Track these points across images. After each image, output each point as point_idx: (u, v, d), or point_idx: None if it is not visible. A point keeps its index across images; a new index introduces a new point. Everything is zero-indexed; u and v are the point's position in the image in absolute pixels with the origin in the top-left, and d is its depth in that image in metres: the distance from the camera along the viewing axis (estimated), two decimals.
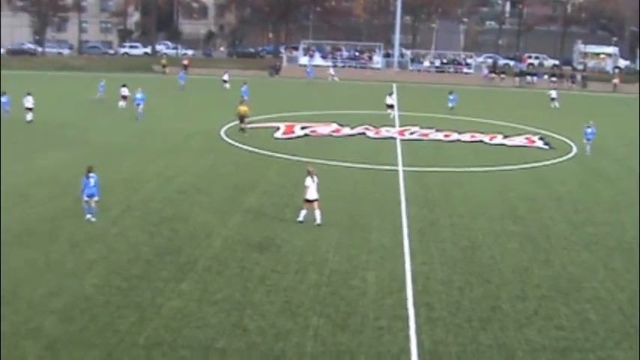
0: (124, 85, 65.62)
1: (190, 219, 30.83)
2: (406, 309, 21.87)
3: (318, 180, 31.02)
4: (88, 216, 30.49)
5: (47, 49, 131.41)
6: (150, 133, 52.18)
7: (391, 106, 64.41)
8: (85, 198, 30.55)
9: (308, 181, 30.47)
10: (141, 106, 59.24)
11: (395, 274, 24.78)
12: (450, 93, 71.28)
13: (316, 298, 22.53)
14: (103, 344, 19.22)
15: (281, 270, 24.92)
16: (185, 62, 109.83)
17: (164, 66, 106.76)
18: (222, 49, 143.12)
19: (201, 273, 24.55)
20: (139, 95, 59.98)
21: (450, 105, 69.75)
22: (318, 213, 30.36)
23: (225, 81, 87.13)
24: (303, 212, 30.80)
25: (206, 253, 26.53)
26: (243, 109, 53.72)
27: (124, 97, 64.64)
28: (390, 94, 66.38)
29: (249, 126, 52.86)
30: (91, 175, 30.56)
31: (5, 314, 20.87)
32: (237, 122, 53.70)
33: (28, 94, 57.98)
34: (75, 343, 19.24)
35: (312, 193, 30.43)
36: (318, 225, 30.19)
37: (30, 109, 57.47)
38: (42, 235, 28.44)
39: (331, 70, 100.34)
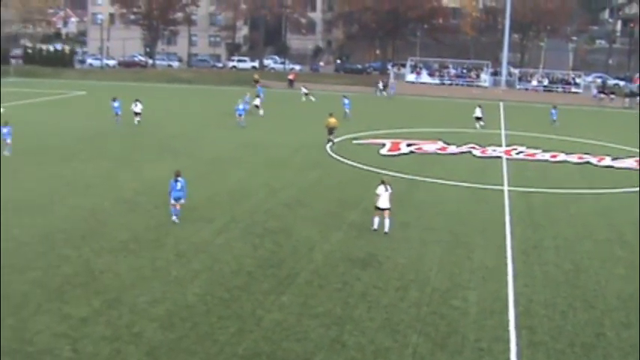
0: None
1: (293, 232, 30.97)
2: (507, 331, 21.49)
3: (392, 190, 31.52)
4: (174, 217, 31.62)
5: (157, 62, 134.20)
6: (256, 146, 52.70)
7: (479, 119, 64.14)
8: (172, 201, 31.78)
9: (380, 189, 31.06)
10: (242, 117, 62.26)
11: (497, 295, 24.40)
12: (554, 107, 71.16)
13: (417, 316, 22.33)
14: (203, 353, 19.41)
15: (382, 286, 24.80)
16: (291, 77, 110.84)
17: (256, 81, 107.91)
18: (321, 63, 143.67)
19: (303, 286, 24.60)
20: (240, 106, 62.66)
21: (553, 119, 69.38)
22: (387, 222, 30.98)
23: (306, 94, 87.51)
24: (376, 220, 31.31)
25: (308, 267, 26.59)
26: (332, 120, 54.55)
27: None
28: (479, 107, 65.98)
29: (336, 139, 52.87)
30: (179, 179, 31.78)
31: (109, 319, 21.31)
32: (332, 136, 54.21)
33: (137, 100, 63.13)
34: (175, 351, 19.48)
35: (383, 202, 30.98)
36: (386, 233, 30.72)
37: (138, 114, 62.43)
38: (148, 243, 28.96)
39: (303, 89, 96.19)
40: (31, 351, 19.24)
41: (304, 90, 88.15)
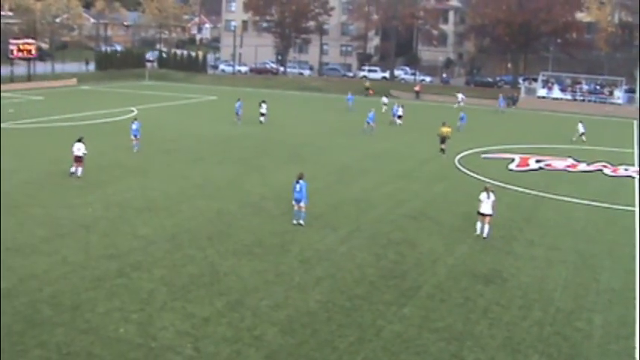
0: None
1: (417, 244, 30.82)
2: (634, 358, 20.86)
3: (495, 198, 32.32)
4: (294, 221, 32.35)
5: (288, 69, 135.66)
6: (383, 156, 52.71)
7: (582, 134, 62.92)
8: (293, 202, 32.55)
9: (482, 196, 32.05)
10: (372, 124, 63.29)
11: (624, 320, 23.69)
12: None
13: (539, 336, 21.89)
14: None
15: (505, 304, 24.42)
16: (417, 88, 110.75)
17: (367, 89, 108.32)
18: (444, 75, 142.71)
19: (424, 300, 24.44)
20: (370, 114, 63.85)
21: None
22: (487, 228, 31.99)
23: (384, 104, 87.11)
24: (479, 225, 32.20)
25: (430, 280, 26.40)
26: (445, 130, 55.12)
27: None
28: (581, 122, 64.64)
29: (465, 152, 52.35)
30: (300, 181, 32.47)
31: (231, 320, 21.62)
32: (444, 145, 54.39)
33: (263, 101, 68.47)
34: (294, 356, 19.62)
35: (485, 208, 31.93)
36: (484, 239, 31.51)
37: (263, 114, 67.94)
38: (272, 248, 29.29)
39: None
40: (154, 346, 19.72)
41: (385, 100, 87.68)
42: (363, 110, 73.64)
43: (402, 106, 74.06)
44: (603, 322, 23.34)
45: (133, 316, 21.66)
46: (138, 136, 50.46)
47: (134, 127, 50.71)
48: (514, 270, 28.11)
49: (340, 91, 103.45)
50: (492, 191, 32.29)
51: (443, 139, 54.04)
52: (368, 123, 63.06)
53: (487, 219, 31.94)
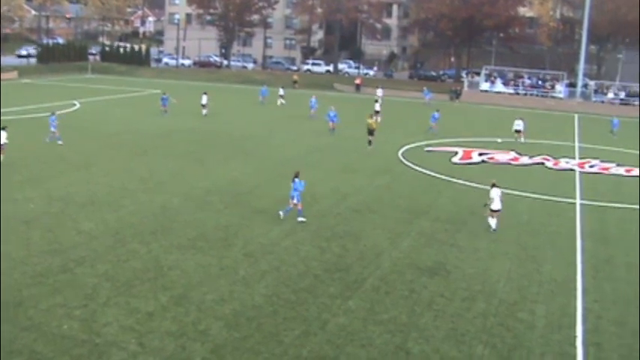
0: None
1: (362, 238, 30.91)
2: (575, 347, 21.15)
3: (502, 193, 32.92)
4: (281, 212, 32.91)
5: (232, 63, 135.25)
6: (327, 150, 52.75)
7: (518, 132, 62.71)
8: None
9: (494, 192, 32.42)
10: (335, 123, 60.79)
11: (565, 310, 24.02)
12: (615, 117, 70.91)
13: (483, 327, 22.11)
14: (267, 353, 19.47)
15: (449, 296, 24.61)
16: (357, 81, 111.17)
17: (295, 82, 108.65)
18: (386, 69, 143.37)
19: (369, 292, 24.53)
20: (332, 113, 61.24)
21: (613, 129, 70.53)
22: (496, 221, 32.72)
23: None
24: (491, 220, 32.75)
25: (375, 273, 26.51)
26: (370, 121, 55.25)
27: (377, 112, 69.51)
28: (521, 118, 64.34)
29: (409, 145, 52.63)
30: (295, 179, 32.81)
31: (176, 315, 21.52)
32: (372, 137, 54.76)
33: (204, 93, 68.85)
34: (239, 350, 19.57)
35: (497, 204, 32.45)
36: (494, 230, 32.18)
37: (204, 106, 68.26)
38: (217, 242, 29.20)
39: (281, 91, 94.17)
40: (98, 342, 19.55)
41: (281, 92, 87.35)
42: (291, 103, 74.53)
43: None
44: (545, 313, 23.65)
45: (77, 312, 21.43)
46: (54, 130, 50.89)
47: (52, 119, 50.84)
48: (458, 262, 28.35)
49: (285, 84, 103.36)
50: (498, 186, 33.26)
51: (370, 131, 54.26)
52: (333, 122, 61.32)
53: (498, 214, 32.77)
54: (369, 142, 54.15)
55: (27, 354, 18.82)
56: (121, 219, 31.92)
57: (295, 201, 32.57)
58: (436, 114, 65.95)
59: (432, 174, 45.92)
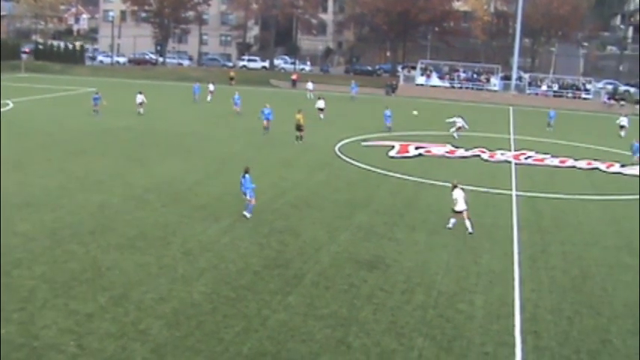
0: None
1: (300, 233, 30.98)
2: (513, 336, 21.45)
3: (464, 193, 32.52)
4: (245, 213, 32.84)
5: (168, 60, 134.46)
6: (264, 146, 52.72)
7: (459, 128, 62.54)
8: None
9: (457, 192, 32.00)
10: (270, 121, 59.09)
11: (503, 300, 24.35)
12: (551, 110, 72.30)
13: (422, 319, 22.31)
14: (208, 351, 19.44)
15: (388, 289, 24.78)
16: (294, 77, 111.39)
17: (231, 78, 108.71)
18: (322, 65, 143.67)
19: (309, 287, 24.60)
20: (267, 110, 59.59)
21: (549, 121, 71.59)
22: (468, 222, 31.91)
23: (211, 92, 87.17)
24: (453, 220, 32.41)
25: (314, 268, 26.59)
26: (298, 116, 55.40)
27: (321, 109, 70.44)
28: (461, 116, 63.99)
29: (346, 140, 52.87)
30: (246, 175, 32.67)
31: (115, 315, 21.36)
32: (301, 133, 55.22)
33: (139, 92, 68.24)
34: (180, 349, 19.50)
35: (461, 205, 31.89)
36: (470, 234, 31.59)
37: (140, 104, 67.63)
38: (155, 240, 29.02)
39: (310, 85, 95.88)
40: (36, 346, 19.29)
41: (210, 87, 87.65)
42: (226, 100, 74.54)
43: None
44: (484, 303, 23.94)
45: (14, 316, 21.12)
46: None
47: None
48: (396, 255, 28.55)
49: (220, 81, 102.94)
50: (462, 187, 32.95)
51: (298, 127, 54.41)
52: (268, 120, 59.61)
53: (466, 214, 32.03)
54: (297, 138, 54.30)
55: None
56: (58, 219, 31.54)
57: (248, 197, 32.54)
58: (388, 112, 64.96)
59: (370, 168, 46.19)
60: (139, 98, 68.37)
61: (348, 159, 49.20)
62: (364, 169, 46.19)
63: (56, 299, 22.48)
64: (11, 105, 71.99)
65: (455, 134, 61.46)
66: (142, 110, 67.69)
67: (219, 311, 22.09)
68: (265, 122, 59.02)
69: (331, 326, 21.37)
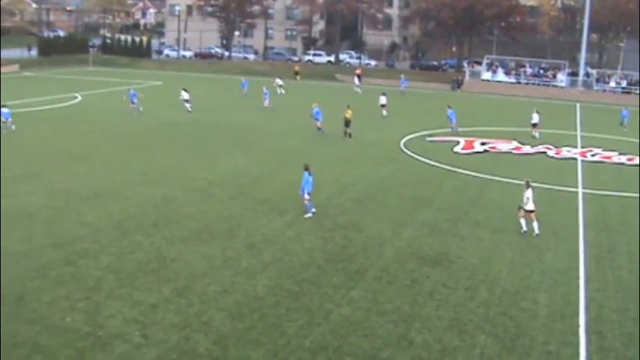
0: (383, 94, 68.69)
1: (364, 228, 30.93)
2: (577, 336, 21.18)
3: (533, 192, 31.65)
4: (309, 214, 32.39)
5: (233, 54, 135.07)
6: (328, 140, 52.69)
7: (535, 125, 61.09)
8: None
9: (528, 192, 31.21)
10: (320, 122, 56.61)
11: (567, 299, 24.04)
12: (625, 108, 70.78)
13: (485, 316, 22.14)
14: (270, 344, 19.52)
15: (451, 285, 24.64)
16: (358, 72, 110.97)
17: (296, 73, 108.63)
18: (387, 60, 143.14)
19: (372, 282, 24.57)
20: (315, 110, 57.18)
21: (622, 120, 68.90)
22: (536, 224, 31.20)
23: (280, 86, 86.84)
24: (523, 222, 31.34)
25: (378, 263, 26.54)
26: (348, 113, 54.61)
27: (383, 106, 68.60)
28: (537, 111, 62.66)
29: (411, 135, 52.55)
30: (305, 172, 32.17)
31: (179, 307, 21.57)
32: (348, 129, 54.38)
33: (184, 89, 67.14)
34: (242, 341, 19.62)
35: (530, 205, 31.14)
36: (537, 235, 30.85)
37: (187, 101, 66.04)
38: (220, 233, 29.23)
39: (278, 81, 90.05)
40: (101, 335, 19.60)
41: (278, 81, 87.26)
42: (292, 94, 74.26)
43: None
44: (548, 302, 23.66)
45: (80, 305, 21.49)
46: (9, 119, 52.00)
47: (5, 110, 52.21)
48: (460, 252, 28.37)
49: (286, 75, 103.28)
50: (532, 186, 32.13)
51: (347, 123, 53.97)
52: (317, 119, 57.16)
53: (533, 215, 31.40)
54: (346, 134, 53.96)
55: (30, 346, 18.89)
56: (124, 211, 31.98)
57: (306, 195, 32.19)
58: (450, 111, 61.66)
59: (435, 164, 45.92)
60: (185, 95, 67.08)
61: (412, 154, 48.96)
62: (429, 164, 45.94)
63: (121, 289, 22.79)
64: (79, 98, 73.04)
65: (536, 134, 60.21)
66: (188, 106, 66.06)
67: (282, 304, 22.17)
68: (318, 123, 56.69)
69: (393, 322, 21.31)
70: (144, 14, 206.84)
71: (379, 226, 31.33)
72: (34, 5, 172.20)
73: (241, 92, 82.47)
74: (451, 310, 22.49)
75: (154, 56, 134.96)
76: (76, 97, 73.47)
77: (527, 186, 31.70)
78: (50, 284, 23.11)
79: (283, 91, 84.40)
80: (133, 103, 64.67)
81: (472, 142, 55.10)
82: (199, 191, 36.27)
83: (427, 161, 46.67)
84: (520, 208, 31.65)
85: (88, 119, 59.43)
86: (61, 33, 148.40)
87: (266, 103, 71.26)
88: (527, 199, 31.29)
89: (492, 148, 53.43)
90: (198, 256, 26.39)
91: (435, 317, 21.84)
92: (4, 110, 51.83)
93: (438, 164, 45.74)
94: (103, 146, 47.56)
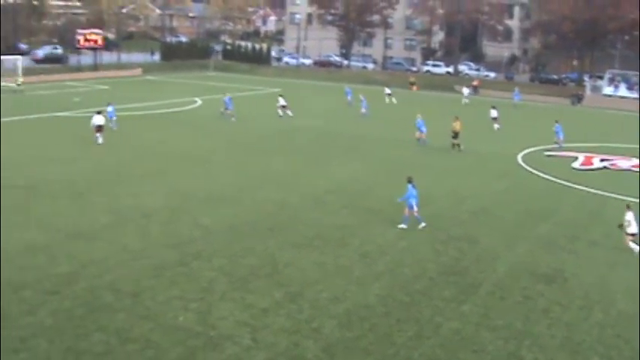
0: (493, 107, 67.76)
1: (478, 241, 30.60)
2: None
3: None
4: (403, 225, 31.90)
5: (352, 63, 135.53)
6: (443, 152, 52.33)
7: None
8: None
9: (629, 215, 30.31)
10: (423, 133, 55.68)
11: None
12: None
13: (599, 337, 21.60)
14: (379, 354, 19.51)
15: (565, 304, 24.14)
16: (475, 83, 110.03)
17: (412, 83, 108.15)
18: (506, 72, 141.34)
19: (484, 297, 24.29)
20: (419, 121, 56.31)
21: None
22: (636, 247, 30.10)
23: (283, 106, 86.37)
24: (633, 245, 30.18)
25: (490, 278, 26.22)
26: (456, 124, 53.85)
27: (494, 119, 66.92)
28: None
29: (528, 150, 51.63)
30: (409, 185, 31.79)
31: (290, 312, 21.75)
32: (457, 140, 53.62)
33: (280, 95, 68.46)
34: (351, 349, 19.67)
35: (634, 228, 30.15)
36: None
37: (284, 107, 66.86)
38: (333, 241, 29.35)
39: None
40: (212, 335, 19.95)
41: (387, 90, 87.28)
42: (404, 104, 73.73)
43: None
44: None
45: (193, 305, 21.89)
46: (114, 117, 54.13)
47: (110, 109, 54.26)
48: (576, 270, 27.77)
49: (404, 85, 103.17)
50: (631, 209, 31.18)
51: (455, 134, 53.31)
52: (421, 131, 56.22)
53: (634, 238, 30.40)
54: (454, 146, 53.29)
55: (143, 342, 19.36)
56: (238, 215, 32.44)
57: (415, 207, 31.77)
58: (557, 126, 59.59)
59: (552, 179, 45.10)
60: (281, 101, 67.37)
61: (529, 168, 48.20)
62: (546, 179, 45.16)
63: (234, 292, 23.12)
64: (199, 102, 74.39)
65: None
66: (281, 113, 66.43)
67: (393, 315, 22.12)
68: (418, 134, 55.87)
69: (504, 338, 21.03)
70: (264, 22, 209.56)
71: (493, 240, 30.96)
72: (157, 11, 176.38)
73: (345, 100, 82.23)
74: (564, 329, 22.05)
75: (274, 63, 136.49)
76: (195, 102, 74.87)
77: (628, 209, 30.78)
78: (165, 283, 23.63)
79: (394, 100, 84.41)
80: (227, 109, 64.74)
81: (591, 158, 53.90)
82: (313, 198, 36.52)
83: (544, 176, 45.88)
84: (620, 225, 30.72)
85: (206, 123, 60.56)
86: (183, 38, 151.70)
87: (363, 110, 71.52)
88: (629, 222, 30.28)
89: (612, 165, 52.14)
90: (310, 262, 26.57)
91: (547, 335, 21.45)
92: (109, 109, 53.84)
93: (555, 179, 44.92)
94: (220, 150, 48.39)
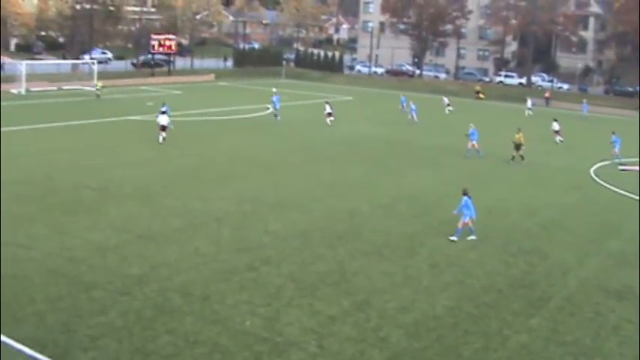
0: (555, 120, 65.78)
1: (549, 255, 30.24)
2: None
3: None
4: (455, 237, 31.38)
5: (424, 72, 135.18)
6: (516, 163, 51.70)
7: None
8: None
9: None
10: (475, 143, 54.80)
11: None
12: None
13: None
14: None
15: (637, 322, 23.69)
16: (547, 95, 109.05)
17: (478, 92, 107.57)
18: (580, 83, 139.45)
19: (553, 312, 23.99)
20: (471, 130, 55.36)
21: None
22: None
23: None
24: None
25: (560, 292, 25.89)
26: (518, 136, 52.87)
27: (556, 132, 64.78)
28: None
29: (600, 163, 50.87)
30: (464, 197, 31.38)
31: (357, 320, 21.74)
32: (518, 152, 52.46)
33: (327, 102, 68.94)
34: None
35: None
36: None
37: (330, 114, 66.39)
38: (402, 250, 29.30)
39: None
40: (279, 341, 20.05)
41: (445, 100, 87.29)
42: (463, 113, 73.06)
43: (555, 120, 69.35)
44: None
45: (260, 310, 22.03)
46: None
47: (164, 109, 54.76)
48: None
49: (472, 95, 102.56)
50: None
51: (517, 146, 52.49)
52: (472, 141, 55.42)
53: None
54: (514, 158, 52.14)
55: (210, 346, 19.55)
56: (308, 222, 32.57)
57: (468, 219, 31.39)
58: (614, 137, 57.88)
59: (625, 193, 44.38)
60: (327, 108, 67.27)
61: (603, 182, 47.51)
62: (619, 193, 44.46)
63: (301, 299, 23.20)
64: (271, 109, 74.83)
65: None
66: (329, 121, 66.21)
67: (460, 326, 21.99)
68: (470, 144, 54.94)
69: (573, 354, 20.76)
70: (337, 30, 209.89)
71: (564, 254, 30.57)
72: (231, 18, 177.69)
73: (398, 108, 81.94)
74: (635, 347, 21.66)
75: (346, 71, 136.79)
76: (267, 108, 75.28)
77: None
78: (233, 288, 23.83)
79: (452, 108, 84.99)
80: (275, 108, 66.74)
81: None
82: (384, 207, 36.50)
83: (617, 190, 45.16)
84: None
85: (277, 130, 60.96)
86: (256, 45, 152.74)
87: (414, 117, 72.07)
88: None
89: None
90: (379, 271, 26.55)
91: (617, 354, 21.11)
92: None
93: (629, 194, 44.19)
94: (291, 157, 48.66)
